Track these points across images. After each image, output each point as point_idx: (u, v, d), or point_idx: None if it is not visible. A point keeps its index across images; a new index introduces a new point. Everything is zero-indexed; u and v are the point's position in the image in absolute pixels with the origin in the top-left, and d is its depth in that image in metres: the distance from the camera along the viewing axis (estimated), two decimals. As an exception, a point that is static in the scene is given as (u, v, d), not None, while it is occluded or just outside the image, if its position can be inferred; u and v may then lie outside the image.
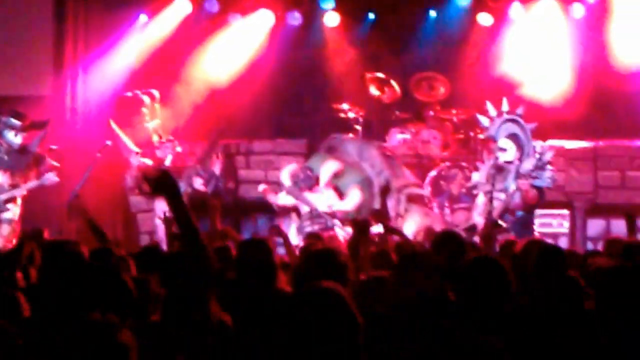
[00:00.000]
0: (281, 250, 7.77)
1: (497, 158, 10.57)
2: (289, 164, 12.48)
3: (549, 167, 10.73)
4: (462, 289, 4.38)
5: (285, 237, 7.67)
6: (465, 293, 4.38)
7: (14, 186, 10.94)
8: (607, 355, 4.01)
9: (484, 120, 10.95)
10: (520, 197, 10.51)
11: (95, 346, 3.41)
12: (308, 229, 11.20)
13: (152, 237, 12.12)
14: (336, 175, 11.79)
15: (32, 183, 10.91)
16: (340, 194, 11.75)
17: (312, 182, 11.69)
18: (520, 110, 10.85)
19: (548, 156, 10.58)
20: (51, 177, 10.93)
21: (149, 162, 12.02)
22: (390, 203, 11.97)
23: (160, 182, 4.26)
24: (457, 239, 6.43)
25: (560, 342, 4.18)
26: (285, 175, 11.94)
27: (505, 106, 10.85)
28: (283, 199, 11.95)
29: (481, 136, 12.06)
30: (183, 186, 11.76)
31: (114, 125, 12.37)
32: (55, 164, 11.36)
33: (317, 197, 11.65)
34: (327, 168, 11.84)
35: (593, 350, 4.05)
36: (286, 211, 11.96)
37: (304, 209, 11.68)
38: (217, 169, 12.18)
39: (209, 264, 4.28)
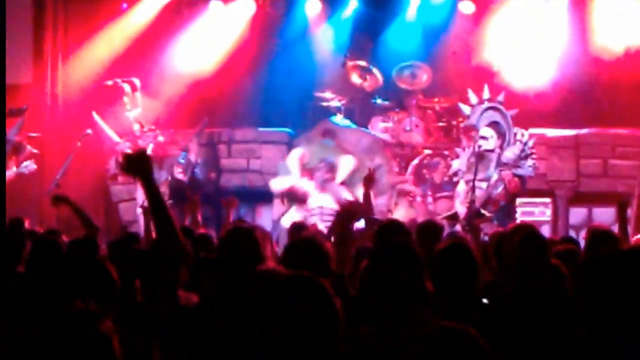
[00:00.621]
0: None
1: (479, 146, 10.70)
2: (271, 154, 12.49)
3: (532, 155, 10.85)
4: (434, 277, 4.37)
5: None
6: (436, 281, 4.37)
7: None
8: (587, 345, 4.04)
9: (465, 109, 11.09)
10: (503, 186, 10.61)
11: (76, 336, 3.38)
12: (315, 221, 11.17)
13: (132, 226, 12.10)
14: (353, 173, 11.71)
15: (11, 171, 10.75)
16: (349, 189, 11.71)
17: (329, 175, 11.59)
18: (501, 97, 10.97)
19: (530, 144, 10.76)
20: (30, 166, 10.89)
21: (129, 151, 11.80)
22: (383, 199, 11.89)
23: (135, 161, 4.29)
24: (435, 228, 6.44)
25: (542, 332, 4.18)
26: (293, 162, 11.89)
27: (486, 93, 11.05)
28: (276, 184, 11.92)
29: (463, 124, 12.06)
30: (164, 175, 11.79)
31: (96, 117, 12.30)
32: (35, 151, 11.30)
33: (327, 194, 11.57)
34: (346, 165, 11.73)
35: (573, 339, 4.05)
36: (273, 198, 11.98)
37: (314, 202, 11.59)
38: (192, 157, 12.13)
39: (179, 245, 4.30)
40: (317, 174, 11.60)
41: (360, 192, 11.27)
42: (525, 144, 10.84)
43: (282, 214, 11.68)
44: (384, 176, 11.94)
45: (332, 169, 11.62)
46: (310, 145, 12.08)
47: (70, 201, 7.47)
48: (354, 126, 12.61)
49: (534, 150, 10.93)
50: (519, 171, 10.75)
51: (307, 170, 11.82)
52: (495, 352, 3.62)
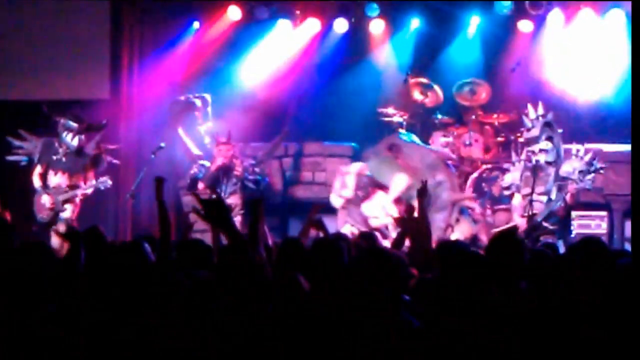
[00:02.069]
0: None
1: (536, 160, 10.79)
2: (335, 166, 12.69)
3: (601, 172, 10.87)
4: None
5: (325, 231, 7.63)
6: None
7: (71, 187, 11.24)
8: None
9: (527, 122, 11.02)
10: (563, 199, 10.68)
11: None
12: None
13: (203, 235, 12.21)
14: (407, 190, 11.67)
15: (90, 184, 11.20)
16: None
17: (369, 190, 11.80)
18: (550, 116, 10.92)
19: (597, 164, 10.76)
20: (106, 182, 11.23)
21: (207, 164, 12.26)
22: (442, 215, 11.81)
23: (213, 211, 4.42)
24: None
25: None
26: (351, 177, 12.00)
27: (540, 110, 11.05)
28: (335, 201, 12.06)
29: (521, 139, 12.08)
30: (233, 186, 12.14)
31: (181, 133, 12.65)
32: (116, 161, 11.72)
33: (377, 209, 11.73)
34: (398, 183, 11.76)
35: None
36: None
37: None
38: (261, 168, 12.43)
39: (259, 269, 4.39)
40: (359, 191, 11.82)
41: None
42: (589, 160, 10.81)
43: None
44: (445, 192, 11.93)
45: (374, 184, 11.84)
46: (374, 159, 12.16)
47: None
48: (420, 142, 12.66)
49: (603, 165, 10.94)
50: (580, 185, 10.83)
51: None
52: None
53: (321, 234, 6.99)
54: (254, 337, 4.18)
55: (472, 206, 12.08)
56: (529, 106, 11.09)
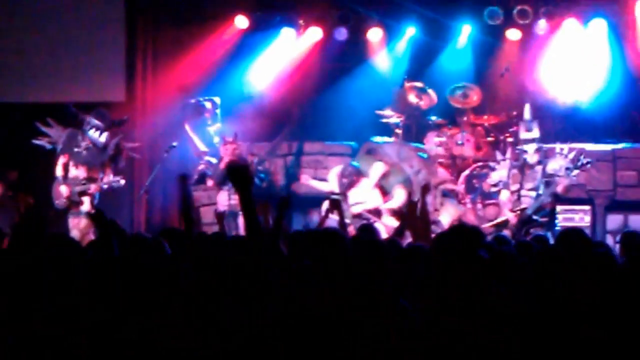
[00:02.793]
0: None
1: (524, 159, 11.16)
2: (336, 164, 12.86)
3: (587, 167, 11.10)
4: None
5: (342, 215, 7.83)
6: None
7: (88, 179, 11.26)
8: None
9: (528, 124, 11.31)
10: (557, 191, 10.88)
11: None
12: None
13: (212, 227, 12.34)
14: (383, 176, 12.01)
15: (106, 180, 11.27)
16: (385, 193, 11.98)
17: (354, 178, 11.95)
18: (535, 123, 11.25)
19: (582, 159, 11.04)
20: (119, 182, 11.35)
21: (214, 160, 12.45)
22: (429, 199, 11.88)
23: (239, 173, 4.47)
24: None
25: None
26: (332, 176, 12.28)
27: (527, 113, 11.44)
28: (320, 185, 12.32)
29: (510, 139, 12.62)
30: None
31: (187, 128, 12.90)
32: (137, 156, 11.96)
33: (361, 196, 11.93)
34: (375, 170, 12.04)
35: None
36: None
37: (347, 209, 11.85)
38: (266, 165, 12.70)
39: (272, 246, 4.59)
40: (344, 179, 12.00)
41: (398, 194, 11.86)
42: (573, 157, 11.03)
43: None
44: (425, 177, 12.15)
45: (358, 173, 11.99)
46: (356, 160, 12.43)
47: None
48: (391, 141, 12.91)
49: (589, 160, 11.14)
50: (566, 180, 11.03)
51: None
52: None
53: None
54: (254, 337, 4.14)
55: (453, 188, 12.46)
56: (526, 106, 11.36)
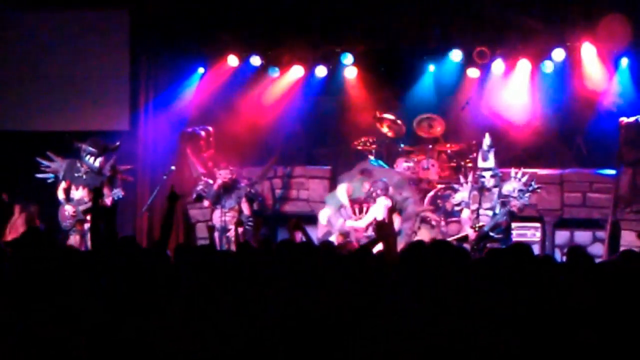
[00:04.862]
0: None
1: (482, 182, 11.57)
2: (316, 186, 13.57)
3: (538, 191, 11.56)
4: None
5: (305, 231, 7.89)
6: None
7: (91, 199, 11.09)
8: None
9: (485, 155, 11.61)
10: (512, 211, 11.34)
11: None
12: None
13: (206, 242, 12.54)
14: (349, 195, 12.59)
15: (109, 197, 11.41)
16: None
17: (379, 192, 12.32)
18: (492, 152, 11.64)
19: (534, 185, 11.48)
20: (119, 192, 11.60)
21: (210, 181, 12.87)
22: (409, 224, 12.66)
23: (172, 196, 5.63)
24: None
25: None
26: (342, 193, 12.71)
27: (487, 141, 11.75)
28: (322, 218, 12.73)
29: (470, 164, 13.28)
30: (233, 203, 12.87)
31: (189, 153, 13.52)
32: (131, 178, 12.27)
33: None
34: (341, 192, 12.69)
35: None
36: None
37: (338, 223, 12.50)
38: (257, 188, 13.32)
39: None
40: (372, 188, 12.32)
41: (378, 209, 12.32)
42: (526, 181, 11.39)
43: (324, 234, 12.63)
44: (410, 206, 12.81)
45: (386, 188, 12.38)
46: (352, 181, 12.96)
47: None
48: (387, 167, 13.46)
49: (539, 186, 11.54)
50: (520, 202, 11.43)
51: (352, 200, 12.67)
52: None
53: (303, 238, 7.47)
54: (254, 337, 4.09)
55: (431, 216, 13.04)
56: (486, 135, 11.69)
